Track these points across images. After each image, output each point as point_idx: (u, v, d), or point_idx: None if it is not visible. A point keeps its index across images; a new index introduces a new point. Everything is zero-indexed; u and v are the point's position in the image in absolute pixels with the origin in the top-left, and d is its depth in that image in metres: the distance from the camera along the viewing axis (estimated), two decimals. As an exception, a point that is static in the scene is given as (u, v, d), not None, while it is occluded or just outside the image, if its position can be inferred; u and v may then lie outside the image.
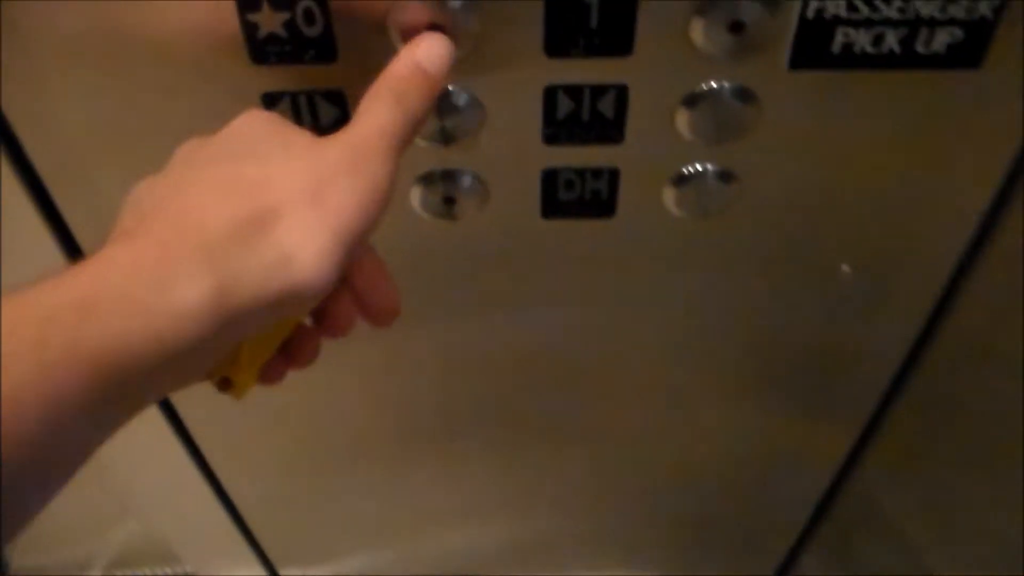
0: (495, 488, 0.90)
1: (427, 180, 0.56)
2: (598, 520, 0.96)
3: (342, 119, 0.53)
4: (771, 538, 0.98)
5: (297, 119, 0.53)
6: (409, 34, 0.47)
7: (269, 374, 0.45)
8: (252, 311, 0.35)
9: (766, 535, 0.98)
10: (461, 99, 0.52)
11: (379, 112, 0.41)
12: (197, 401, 0.73)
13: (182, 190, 0.37)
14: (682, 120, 0.52)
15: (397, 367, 0.73)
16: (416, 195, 0.57)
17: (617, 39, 0.49)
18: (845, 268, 0.61)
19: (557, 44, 0.49)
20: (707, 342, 0.70)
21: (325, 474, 0.86)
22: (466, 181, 0.56)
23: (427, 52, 0.43)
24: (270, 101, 0.52)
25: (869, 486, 0.84)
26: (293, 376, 0.47)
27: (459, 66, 0.49)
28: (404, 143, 0.41)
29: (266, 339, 0.43)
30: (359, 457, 0.84)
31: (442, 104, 0.52)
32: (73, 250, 0.61)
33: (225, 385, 0.41)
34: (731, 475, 0.88)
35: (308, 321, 0.45)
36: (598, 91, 0.52)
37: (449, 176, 0.56)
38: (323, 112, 0.52)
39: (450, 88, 0.51)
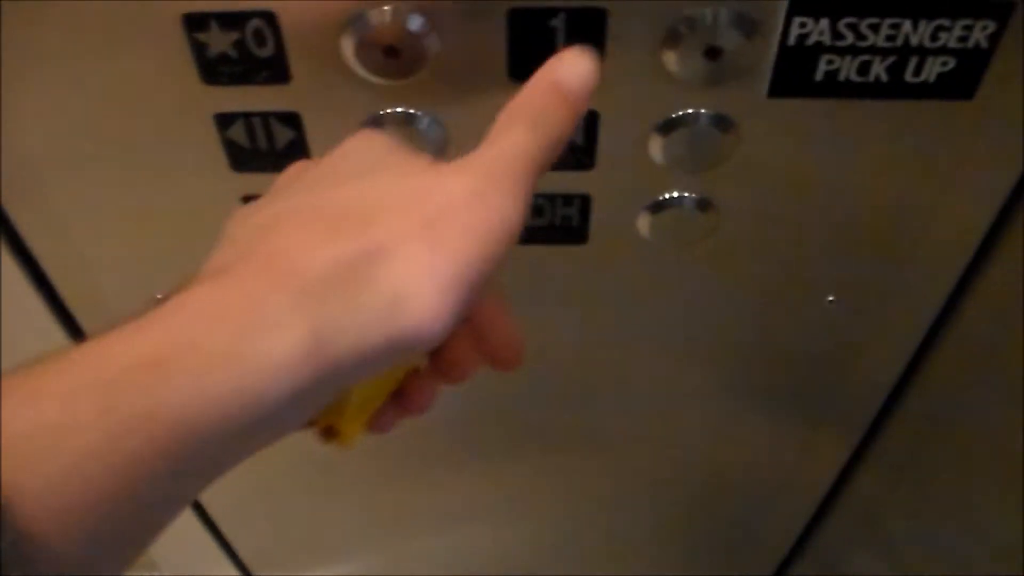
0: (477, 493, 0.88)
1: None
2: (590, 524, 0.95)
3: (297, 142, 0.50)
4: (764, 548, 0.97)
5: (252, 141, 0.50)
6: (365, 57, 0.45)
7: (380, 422, 0.40)
8: (355, 361, 0.30)
9: (759, 544, 0.96)
10: (423, 123, 0.49)
11: (512, 137, 0.35)
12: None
13: (278, 224, 0.32)
14: (656, 147, 0.50)
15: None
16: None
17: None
18: (831, 299, 0.59)
19: (522, 67, 0.47)
20: (688, 364, 0.68)
21: (300, 477, 0.84)
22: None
23: (569, 70, 0.36)
24: (224, 122, 0.49)
25: (865, 497, 0.83)
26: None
27: (419, 89, 0.47)
28: (540, 171, 0.35)
29: (377, 384, 0.39)
30: (335, 461, 0.82)
31: (404, 128, 0.49)
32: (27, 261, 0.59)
33: (330, 434, 0.38)
34: (725, 484, 0.86)
35: (423, 365, 0.41)
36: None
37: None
38: (278, 134, 0.50)
39: (411, 111, 0.48)
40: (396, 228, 0.31)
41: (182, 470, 0.27)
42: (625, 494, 0.87)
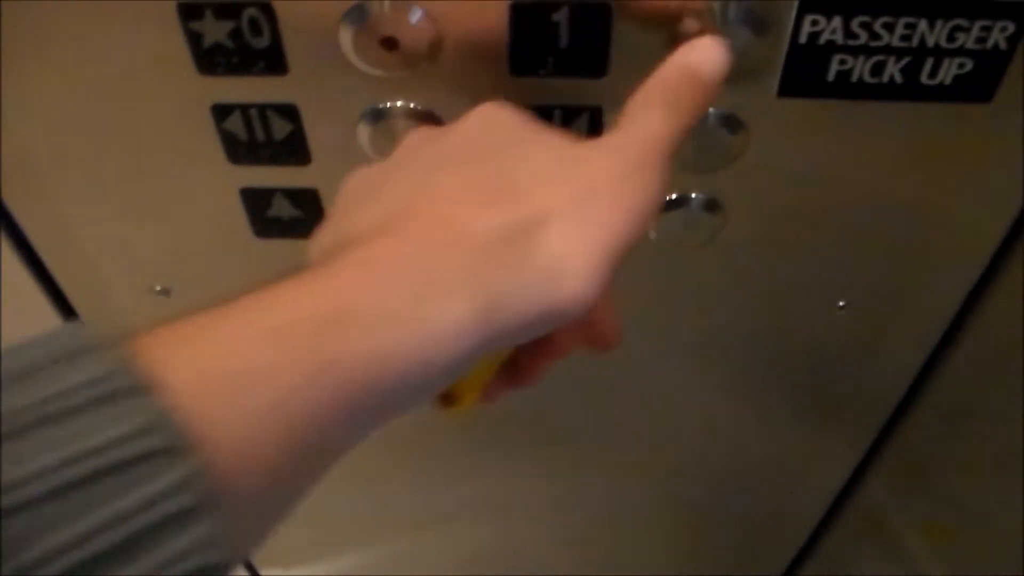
0: (481, 490, 0.88)
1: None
2: (595, 524, 0.94)
3: (296, 134, 0.49)
4: (773, 549, 0.96)
5: (249, 133, 0.49)
6: (364, 48, 0.44)
7: (490, 392, 0.41)
8: (515, 329, 0.31)
9: (768, 545, 0.95)
10: (423, 117, 0.48)
11: (651, 119, 0.35)
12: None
13: (433, 191, 0.33)
14: (662, 147, 0.48)
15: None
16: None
17: (589, 60, 0.45)
18: (842, 304, 0.57)
19: (523, 62, 0.45)
20: (695, 365, 0.66)
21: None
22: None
23: (702, 56, 0.37)
24: (220, 113, 0.48)
25: (875, 500, 0.82)
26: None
27: (419, 82, 0.46)
28: (674, 152, 0.36)
29: (494, 355, 0.40)
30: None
31: (401, 125, 0.48)
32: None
33: (448, 401, 0.38)
34: (733, 485, 0.85)
35: None
36: (570, 112, 0.47)
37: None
38: (276, 126, 0.49)
39: (411, 105, 0.47)
40: (551, 201, 0.32)
41: (358, 420, 0.28)
42: (631, 494, 0.86)
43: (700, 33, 0.40)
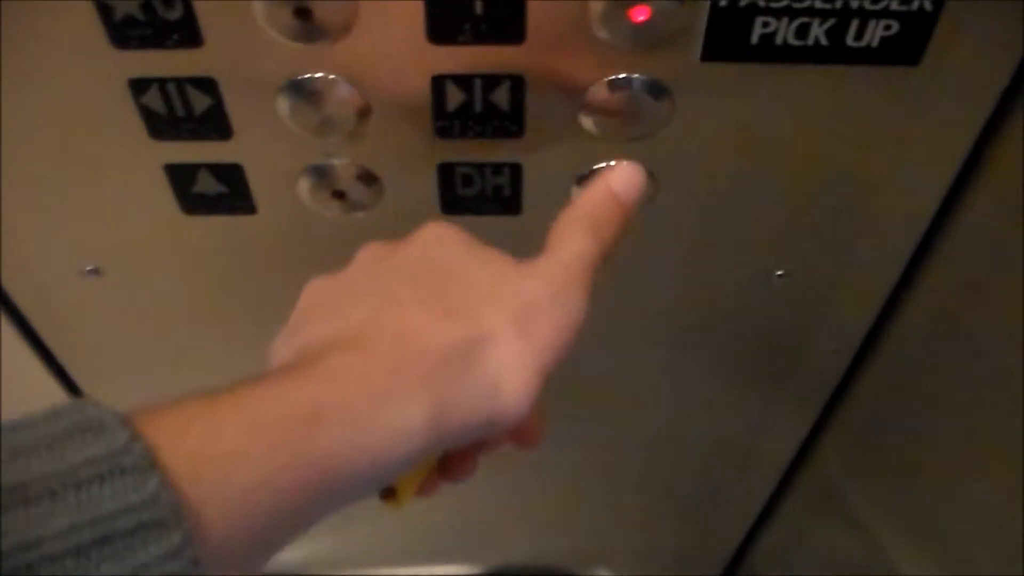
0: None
1: (314, 173, 0.51)
2: (549, 500, 0.93)
3: (216, 107, 0.48)
4: (728, 520, 0.96)
5: (168, 107, 0.48)
6: (277, 19, 0.44)
7: (426, 487, 0.44)
8: (460, 433, 0.35)
9: (723, 517, 0.95)
10: (342, 89, 0.47)
11: (576, 241, 0.40)
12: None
13: (393, 308, 0.37)
14: (587, 118, 0.47)
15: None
16: (304, 188, 0.52)
17: (506, 26, 0.44)
18: (780, 273, 0.56)
19: (441, 30, 0.44)
20: (635, 338, 0.66)
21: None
22: (352, 174, 0.51)
23: (621, 181, 0.42)
24: (138, 88, 0.47)
25: (826, 469, 0.82)
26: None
27: (337, 53, 0.45)
28: (596, 273, 0.40)
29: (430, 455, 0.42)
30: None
31: (321, 96, 0.47)
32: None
33: (388, 495, 0.41)
34: (684, 458, 0.85)
35: None
36: (491, 81, 0.46)
37: (334, 170, 0.51)
38: (195, 100, 0.48)
39: (330, 76, 0.46)
40: (494, 322, 0.36)
41: (321, 504, 0.32)
42: (580, 472, 0.86)
43: None
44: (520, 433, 0.44)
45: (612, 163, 0.47)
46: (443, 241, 0.41)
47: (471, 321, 0.36)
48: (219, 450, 0.29)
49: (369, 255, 0.42)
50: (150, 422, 0.29)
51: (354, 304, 0.38)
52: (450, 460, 0.44)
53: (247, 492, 0.29)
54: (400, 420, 0.33)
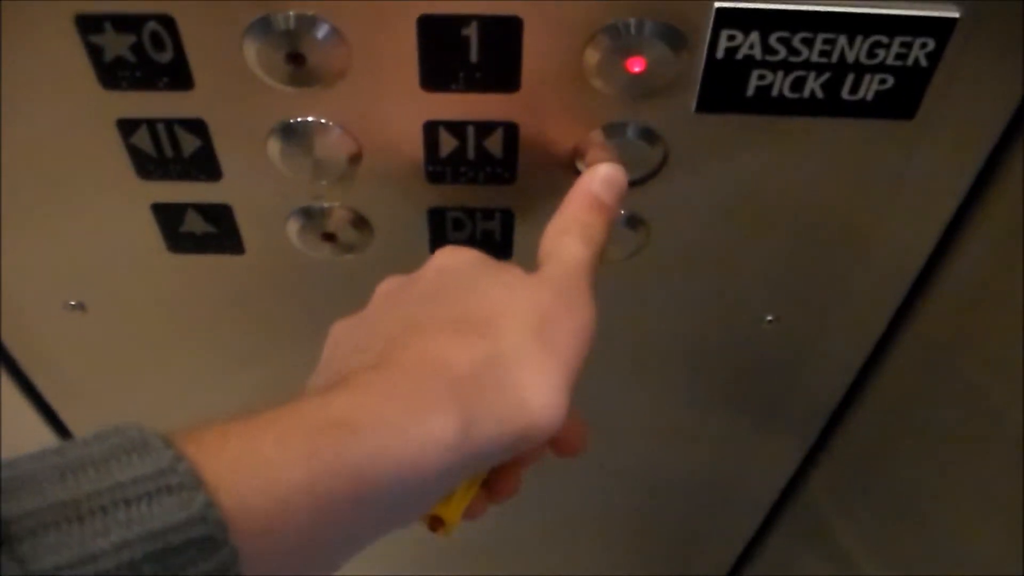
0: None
1: (304, 216, 0.51)
2: (538, 528, 0.93)
3: (205, 149, 0.48)
4: (715, 552, 0.96)
5: (157, 148, 0.48)
6: (269, 63, 0.43)
7: (473, 510, 0.44)
8: (491, 450, 0.35)
9: (710, 548, 0.95)
10: (333, 133, 0.46)
11: (573, 249, 0.41)
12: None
13: (418, 329, 0.38)
14: (581, 162, 0.47)
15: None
16: (293, 230, 0.51)
17: (501, 75, 0.44)
18: (770, 319, 0.56)
19: (434, 77, 0.44)
20: (628, 376, 0.66)
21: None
22: (342, 217, 0.51)
23: (603, 184, 0.45)
24: (126, 128, 0.47)
25: (814, 504, 0.82)
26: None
27: (329, 97, 0.45)
28: (595, 276, 0.41)
29: (473, 478, 0.43)
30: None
31: (312, 140, 0.46)
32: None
33: (437, 524, 0.42)
34: (673, 490, 0.84)
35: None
36: (484, 128, 0.46)
37: (324, 213, 0.51)
38: (184, 142, 0.48)
39: (321, 121, 0.46)
40: (516, 335, 0.37)
41: (359, 517, 0.32)
42: (572, 501, 0.86)
43: None
44: (561, 443, 0.44)
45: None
46: (455, 263, 0.42)
47: (492, 336, 0.37)
48: (258, 459, 0.30)
49: (386, 289, 0.43)
50: (191, 439, 0.29)
51: (376, 336, 0.39)
52: (494, 478, 0.45)
53: (287, 496, 0.30)
54: (430, 430, 0.33)
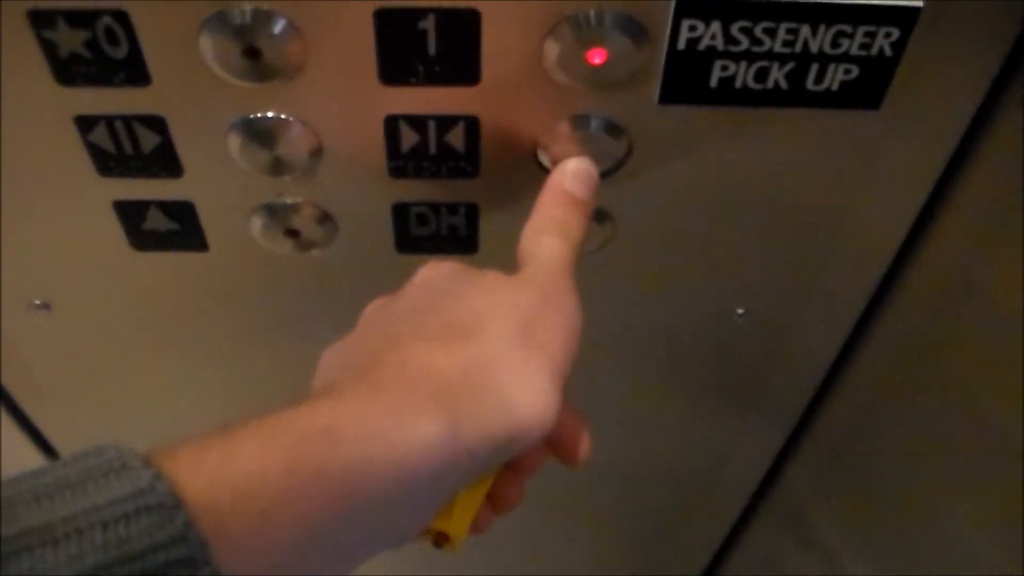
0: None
1: (267, 212, 0.50)
2: (515, 523, 0.93)
3: (165, 145, 0.47)
4: (694, 547, 0.95)
5: (116, 145, 0.47)
6: (226, 59, 0.43)
7: (478, 523, 0.44)
8: (481, 453, 0.34)
9: (689, 543, 0.95)
10: (293, 128, 0.46)
11: (552, 247, 0.41)
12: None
13: (399, 342, 0.37)
14: (543, 154, 0.46)
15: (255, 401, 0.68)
16: (256, 226, 0.51)
17: (460, 68, 0.43)
18: (740, 312, 0.56)
19: (393, 71, 0.43)
20: (601, 368, 0.65)
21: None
22: (305, 212, 0.50)
23: (574, 180, 0.44)
24: (84, 125, 0.46)
25: (793, 496, 0.82)
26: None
27: (287, 92, 0.45)
28: (576, 272, 0.41)
29: (476, 490, 0.42)
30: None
31: (273, 135, 0.46)
32: None
33: (441, 540, 0.42)
34: (651, 484, 0.84)
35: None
36: (445, 122, 0.45)
37: (287, 209, 0.50)
38: (143, 138, 0.47)
39: (281, 116, 0.45)
40: (499, 336, 0.36)
41: (347, 530, 0.32)
42: (550, 495, 0.85)
43: None
44: (561, 448, 0.43)
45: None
46: (435, 275, 0.42)
47: (475, 340, 0.36)
48: (236, 472, 0.29)
49: (371, 310, 0.43)
50: (168, 456, 0.29)
51: (361, 354, 0.38)
52: (497, 490, 0.44)
53: (267, 512, 0.29)
54: (416, 434, 0.32)
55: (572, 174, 0.45)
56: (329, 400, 0.33)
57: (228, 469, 0.29)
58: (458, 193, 0.50)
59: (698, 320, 0.58)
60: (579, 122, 0.45)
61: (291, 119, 0.46)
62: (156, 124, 0.46)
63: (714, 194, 0.49)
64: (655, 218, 0.51)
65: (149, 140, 0.47)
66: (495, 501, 0.45)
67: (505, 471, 0.44)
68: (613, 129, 0.46)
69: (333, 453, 0.31)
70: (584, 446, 0.43)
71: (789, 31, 0.41)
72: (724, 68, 0.43)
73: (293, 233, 0.52)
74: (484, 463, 0.35)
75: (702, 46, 0.42)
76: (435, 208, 0.51)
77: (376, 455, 0.32)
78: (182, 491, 0.28)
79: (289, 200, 0.50)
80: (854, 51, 0.42)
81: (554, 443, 0.42)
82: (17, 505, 0.26)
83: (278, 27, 0.42)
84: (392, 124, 0.46)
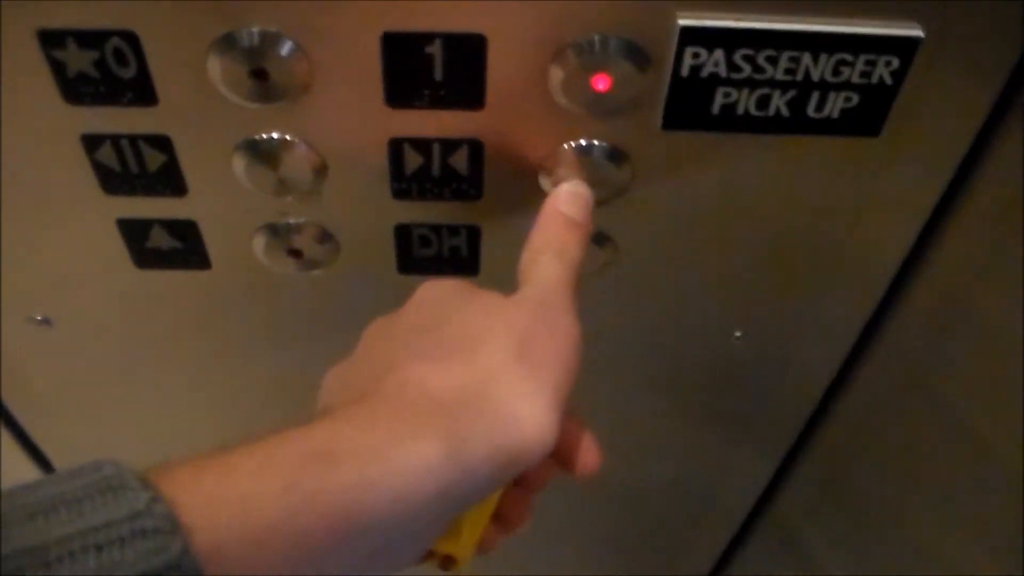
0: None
1: (270, 231, 0.50)
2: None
3: (170, 165, 0.48)
4: (687, 566, 0.95)
5: (121, 163, 0.47)
6: (233, 80, 0.43)
7: (484, 543, 0.44)
8: (482, 472, 0.34)
9: (682, 562, 0.95)
10: (299, 149, 0.46)
11: (549, 268, 0.41)
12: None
13: (395, 363, 0.37)
14: (546, 179, 0.47)
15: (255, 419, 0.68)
16: (259, 246, 0.51)
17: (466, 92, 0.44)
18: (738, 335, 0.56)
19: (399, 94, 0.44)
20: (599, 387, 0.65)
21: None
22: (308, 233, 0.51)
23: (569, 203, 0.45)
24: (91, 144, 0.46)
25: (786, 516, 0.82)
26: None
27: (294, 113, 0.45)
28: (575, 292, 0.41)
29: (481, 510, 0.42)
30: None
31: (277, 156, 0.46)
32: None
33: (448, 563, 0.41)
34: (645, 503, 0.84)
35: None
36: (449, 145, 0.46)
37: (290, 228, 0.50)
38: (149, 158, 0.47)
39: (286, 137, 0.46)
40: (497, 356, 0.36)
41: (348, 549, 0.31)
42: (546, 513, 0.85)
43: None
44: (569, 462, 0.42)
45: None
46: (434, 295, 0.42)
47: (472, 361, 0.36)
48: (233, 492, 0.29)
49: (371, 331, 0.43)
50: (166, 476, 0.29)
51: (361, 375, 0.39)
52: (503, 509, 0.44)
53: (264, 534, 0.29)
54: (415, 456, 0.32)
55: (567, 196, 0.45)
56: (327, 422, 0.33)
57: (226, 489, 0.29)
58: (461, 215, 0.50)
59: (696, 342, 0.59)
60: (582, 148, 0.46)
61: (296, 140, 0.46)
62: (162, 143, 0.47)
63: (715, 218, 0.50)
64: (656, 241, 0.51)
65: (154, 159, 0.47)
66: (503, 520, 0.45)
67: (512, 488, 0.44)
68: (616, 154, 0.46)
69: (331, 475, 0.31)
70: (592, 457, 0.43)
71: (791, 59, 0.42)
72: (726, 95, 0.43)
73: (296, 253, 0.52)
74: (486, 483, 0.35)
75: (705, 73, 0.43)
76: (437, 230, 0.51)
77: (375, 477, 0.31)
78: (179, 512, 0.27)
79: (292, 220, 0.50)
80: (855, 79, 0.42)
81: (562, 456, 0.41)
82: (11, 523, 0.25)
83: (285, 49, 0.42)
84: (396, 146, 0.46)
